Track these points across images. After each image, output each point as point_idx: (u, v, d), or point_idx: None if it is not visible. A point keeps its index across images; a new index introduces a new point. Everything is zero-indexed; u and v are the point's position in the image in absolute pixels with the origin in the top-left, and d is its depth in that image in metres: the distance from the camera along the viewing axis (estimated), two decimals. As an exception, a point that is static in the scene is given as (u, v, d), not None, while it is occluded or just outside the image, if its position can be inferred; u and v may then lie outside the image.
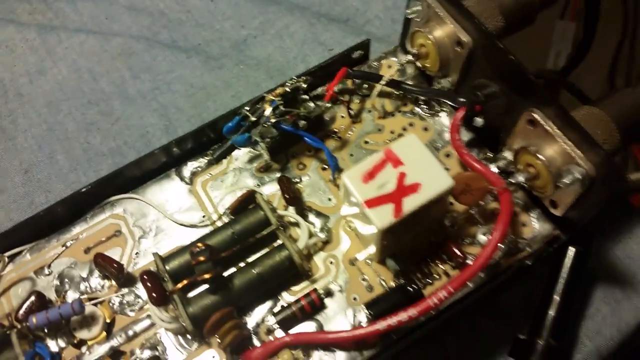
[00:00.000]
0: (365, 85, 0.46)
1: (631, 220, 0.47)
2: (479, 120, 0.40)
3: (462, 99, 0.41)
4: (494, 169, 0.41)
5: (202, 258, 0.35)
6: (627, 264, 0.46)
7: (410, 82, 0.45)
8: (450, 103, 0.43)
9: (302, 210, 0.41)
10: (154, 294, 0.35)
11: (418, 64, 0.45)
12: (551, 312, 0.40)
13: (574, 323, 0.43)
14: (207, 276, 0.35)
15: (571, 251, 0.41)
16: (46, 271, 0.40)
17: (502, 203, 0.37)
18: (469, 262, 0.38)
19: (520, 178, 0.38)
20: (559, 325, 0.39)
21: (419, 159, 0.36)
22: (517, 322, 0.42)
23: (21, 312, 0.37)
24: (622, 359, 0.45)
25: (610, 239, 0.46)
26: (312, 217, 0.41)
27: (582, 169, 0.35)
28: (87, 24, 0.60)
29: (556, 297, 0.40)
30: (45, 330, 0.38)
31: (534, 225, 0.40)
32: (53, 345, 0.38)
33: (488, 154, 0.43)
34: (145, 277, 0.36)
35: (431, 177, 0.35)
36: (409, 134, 0.37)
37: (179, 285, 0.35)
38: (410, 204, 0.34)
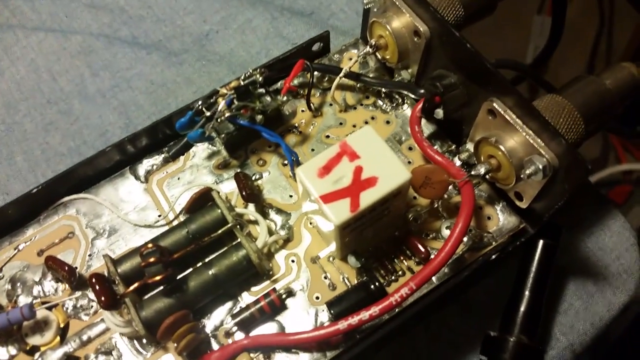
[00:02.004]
0: (326, 79, 0.44)
1: (602, 212, 0.47)
2: (439, 112, 0.39)
3: (421, 91, 0.40)
4: (457, 161, 0.40)
5: (152, 259, 0.34)
6: (599, 256, 0.45)
7: (371, 75, 0.44)
8: (410, 95, 0.42)
9: (263, 207, 0.40)
10: (103, 298, 0.34)
11: (378, 55, 0.44)
12: (521, 308, 0.39)
13: (547, 318, 0.43)
14: (158, 278, 0.34)
15: (540, 245, 0.40)
16: (-3, 275, 0.39)
17: (463, 195, 0.36)
18: (432, 257, 0.37)
19: (482, 170, 0.37)
20: (530, 321, 0.39)
21: (376, 151, 0.35)
22: (486, 318, 0.41)
23: (-32, 319, 0.36)
24: (596, 354, 0.44)
25: (582, 231, 0.46)
26: (273, 214, 0.40)
27: (544, 159, 0.34)
28: (46, 22, 0.58)
29: (526, 292, 0.39)
30: (-5, 337, 0.36)
31: (499, 218, 0.40)
32: (3, 352, 0.36)
33: (451, 146, 0.42)
34: (93, 280, 0.34)
35: (388, 171, 0.34)
36: (364, 126, 0.36)
37: (130, 289, 0.34)
38: (367, 198, 0.33)
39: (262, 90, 0.41)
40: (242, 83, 0.39)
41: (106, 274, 0.37)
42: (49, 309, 0.37)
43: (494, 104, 0.36)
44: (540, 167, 0.34)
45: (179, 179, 0.42)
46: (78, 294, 0.38)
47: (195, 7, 0.57)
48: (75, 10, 0.58)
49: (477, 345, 0.41)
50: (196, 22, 0.57)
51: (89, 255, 0.39)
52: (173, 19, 0.57)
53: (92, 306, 0.37)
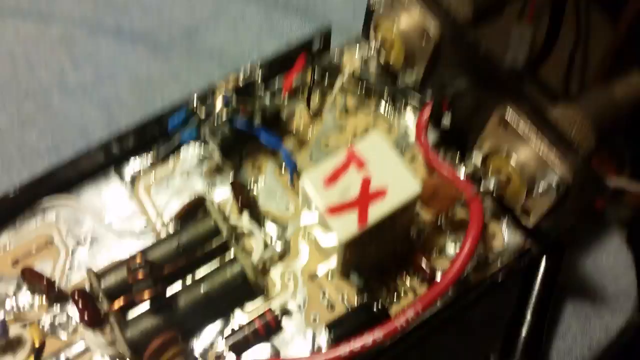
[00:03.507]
0: (326, 81, 0.42)
1: (601, 231, 0.45)
2: (446, 119, 0.37)
3: (428, 96, 0.38)
4: (462, 172, 0.38)
5: (140, 275, 0.31)
6: (597, 277, 0.43)
7: (373, 77, 0.42)
8: (415, 100, 0.40)
9: (258, 218, 0.38)
10: (85, 315, 0.31)
11: (382, 57, 0.41)
12: (523, 331, 0.37)
13: (546, 342, 0.41)
14: (146, 296, 0.31)
15: (543, 265, 0.38)
16: (-34, 287, 0.36)
17: (472, 212, 0.34)
18: (437, 276, 0.35)
19: (491, 185, 0.35)
20: (532, 344, 0.37)
21: (385, 161, 0.32)
22: (486, 340, 0.39)
23: None
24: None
25: (578, 250, 0.44)
26: (268, 226, 0.38)
27: (557, 175, 0.32)
28: (24, 8, 0.55)
29: (528, 316, 0.37)
30: (-38, 357, 0.33)
31: (504, 237, 0.38)
32: (-30, 374, 0.33)
33: (456, 155, 0.40)
34: (76, 296, 0.32)
35: (398, 182, 0.32)
36: (373, 132, 0.33)
37: (115, 306, 0.31)
38: (376, 212, 0.31)
39: (260, 88, 0.38)
40: (240, 80, 0.36)
41: (87, 288, 0.34)
42: (23, 325, 0.34)
43: (507, 112, 0.34)
44: (554, 183, 0.32)
45: (167, 185, 0.39)
46: (56, 309, 0.35)
47: (185, -2, 0.55)
48: (55, -4, 0.55)
49: (475, 369, 0.39)
50: (185, 13, 0.54)
51: (69, 268, 0.36)
52: (160, 9, 0.54)
53: (71, 323, 0.35)
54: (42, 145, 0.48)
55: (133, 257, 0.33)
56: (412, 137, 0.41)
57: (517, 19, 0.47)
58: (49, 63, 0.52)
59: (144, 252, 0.34)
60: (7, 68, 0.51)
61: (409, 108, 0.42)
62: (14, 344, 0.33)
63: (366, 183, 0.32)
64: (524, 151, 0.34)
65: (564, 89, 0.44)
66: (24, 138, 0.48)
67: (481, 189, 0.35)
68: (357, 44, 0.44)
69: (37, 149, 0.48)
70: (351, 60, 0.44)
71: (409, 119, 0.41)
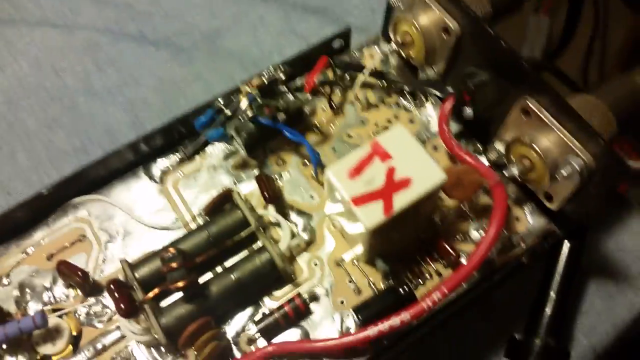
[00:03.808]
0: (347, 77, 0.43)
1: (623, 212, 0.46)
2: (467, 111, 0.38)
3: (449, 89, 0.39)
4: (484, 161, 0.39)
5: (174, 264, 0.32)
6: (620, 257, 0.44)
7: (394, 72, 0.43)
8: (437, 93, 0.41)
9: (283, 209, 0.39)
10: (122, 305, 0.32)
11: (402, 53, 0.42)
12: (548, 310, 0.38)
13: (570, 319, 0.42)
14: (180, 284, 0.32)
15: (566, 246, 0.39)
16: (5, 281, 0.37)
17: (495, 197, 0.34)
18: (462, 260, 0.36)
19: (514, 171, 0.36)
20: (556, 323, 0.38)
21: (409, 151, 0.33)
22: (510, 320, 0.40)
23: (-24, 327, 0.34)
24: (617, 355, 0.43)
25: (602, 231, 0.45)
26: (293, 216, 0.39)
27: (581, 160, 0.33)
28: (50, 18, 0.56)
29: (552, 294, 0.38)
30: (4, 347, 0.34)
31: (528, 220, 0.38)
32: (12, 362, 0.34)
33: (478, 146, 0.41)
34: (112, 286, 0.33)
35: (422, 171, 0.33)
36: (396, 126, 0.34)
37: (150, 295, 0.32)
38: (401, 200, 0.32)
39: (283, 88, 0.39)
40: (264, 81, 0.37)
41: (122, 279, 0.35)
42: (60, 316, 0.35)
43: (529, 103, 0.35)
44: (578, 168, 0.33)
45: (195, 179, 0.40)
46: (91, 300, 0.36)
47: (205, 3, 0.56)
48: (79, 6, 0.57)
49: (501, 348, 0.40)
50: (206, 18, 0.55)
51: (103, 259, 0.37)
52: (182, 14, 0.56)
53: (106, 313, 0.36)
54: (69, 146, 0.49)
55: (166, 248, 0.34)
56: (433, 128, 0.42)
57: (534, 11, 0.48)
58: (75, 68, 0.53)
59: (175, 243, 0.35)
60: (34, 74, 0.53)
61: (429, 100, 0.43)
62: (54, 334, 0.35)
63: (391, 173, 0.33)
64: (547, 138, 0.35)
65: (584, 78, 0.45)
66: (51, 139, 0.49)
67: (506, 174, 0.35)
68: (378, 41, 0.45)
69: (65, 149, 0.49)
70: (372, 57, 0.45)
71: (430, 111, 0.42)
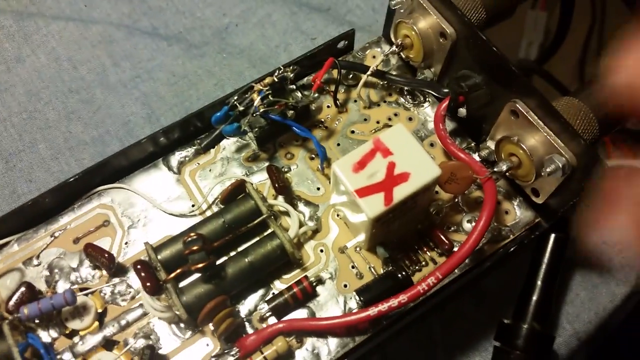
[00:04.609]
0: (351, 76, 0.46)
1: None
2: (462, 111, 0.41)
3: (445, 90, 0.42)
4: (476, 158, 0.42)
5: (195, 247, 0.36)
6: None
7: (394, 73, 0.46)
8: (434, 93, 0.44)
9: (291, 199, 0.42)
10: (148, 284, 0.35)
11: (402, 54, 0.45)
12: (534, 297, 0.41)
13: (555, 307, 0.45)
14: (200, 265, 0.35)
15: (552, 237, 0.42)
16: (35, 262, 0.40)
17: (486, 191, 0.38)
18: (455, 249, 0.40)
19: (503, 167, 0.39)
20: (542, 309, 0.41)
21: (407, 148, 0.37)
22: (500, 306, 0.44)
23: (11, 303, 0.37)
24: (599, 341, 0.47)
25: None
26: (301, 206, 0.42)
27: (564, 158, 0.36)
28: (65, 11, 0.59)
29: (539, 283, 0.41)
30: (37, 321, 0.38)
31: (517, 213, 0.42)
32: (45, 336, 0.38)
33: (471, 143, 0.44)
34: (138, 267, 0.36)
35: (419, 167, 0.36)
36: (396, 124, 0.38)
37: (173, 275, 0.36)
38: (400, 193, 0.35)
39: (292, 86, 0.42)
40: (275, 80, 0.40)
41: (146, 260, 0.38)
42: (87, 295, 0.39)
43: (518, 105, 0.38)
44: (560, 165, 0.36)
45: (210, 170, 0.43)
46: (116, 280, 0.39)
47: (215, 0, 0.58)
48: (94, 0, 0.59)
49: (491, 332, 0.43)
50: (216, 14, 0.58)
51: (125, 243, 0.41)
52: (193, 11, 0.58)
53: (129, 292, 0.39)
54: (87, 136, 0.52)
55: (187, 233, 0.37)
56: (430, 126, 0.45)
57: (531, 6, 0.50)
58: (91, 61, 0.56)
59: (194, 228, 0.39)
60: (52, 67, 0.55)
61: (427, 100, 0.46)
62: (81, 311, 0.38)
63: (391, 167, 0.36)
64: (534, 138, 0.38)
65: (580, 75, 0.47)
66: (70, 130, 0.52)
67: (496, 170, 0.39)
68: (379, 42, 0.48)
69: (83, 139, 0.52)
70: (374, 57, 0.48)
71: (428, 110, 0.45)
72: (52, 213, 0.42)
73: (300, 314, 0.38)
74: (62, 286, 0.39)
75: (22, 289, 0.38)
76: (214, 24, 0.58)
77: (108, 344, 0.38)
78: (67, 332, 0.38)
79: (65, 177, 0.43)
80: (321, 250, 0.40)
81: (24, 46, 0.57)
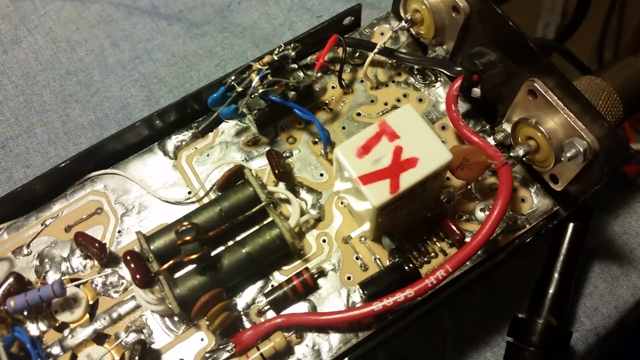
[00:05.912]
0: (357, 54, 0.44)
1: (629, 195, 0.46)
2: (476, 91, 0.39)
3: (458, 68, 0.39)
4: (491, 142, 0.39)
5: (188, 237, 0.34)
6: (624, 239, 0.45)
7: (403, 51, 0.44)
8: (446, 72, 0.41)
9: (293, 186, 0.40)
10: (138, 276, 0.33)
11: (412, 31, 0.43)
12: (551, 290, 0.39)
13: (572, 300, 0.42)
14: (194, 256, 0.33)
15: (571, 227, 0.40)
16: (25, 251, 0.38)
17: (501, 178, 0.35)
18: (467, 239, 0.37)
19: (520, 151, 0.36)
20: (559, 303, 0.38)
21: (416, 131, 0.34)
22: (514, 300, 0.41)
23: (-2, 294, 0.36)
24: (619, 336, 0.44)
25: (607, 213, 0.45)
26: (303, 193, 0.40)
27: (585, 142, 0.33)
28: (63, -10, 0.57)
29: (556, 275, 0.39)
30: (25, 314, 0.36)
31: (534, 201, 0.39)
32: (33, 328, 0.36)
33: (485, 126, 0.42)
34: (128, 257, 0.34)
35: (429, 151, 0.33)
36: (404, 105, 0.35)
37: (165, 266, 0.34)
38: (408, 179, 0.33)
39: (294, 65, 0.40)
40: (275, 58, 0.38)
41: (138, 250, 0.36)
42: (78, 286, 0.37)
43: (536, 84, 0.35)
44: (582, 149, 0.33)
45: (208, 155, 0.41)
46: (108, 271, 0.37)
47: (217, -23, 0.56)
48: (93, -22, 0.57)
49: (503, 326, 0.41)
50: (217, -8, 0.56)
51: (119, 231, 0.39)
52: (194, -11, 0.56)
53: (122, 283, 0.37)
54: (85, 120, 0.50)
55: (180, 221, 0.35)
56: (442, 107, 0.42)
57: None
58: (89, 42, 0.54)
59: (188, 217, 0.37)
60: (49, 48, 0.54)
61: (439, 80, 0.43)
62: (71, 302, 0.36)
63: (398, 152, 0.34)
64: (553, 120, 0.35)
65: (599, 59, 0.45)
66: (68, 113, 0.50)
67: (512, 155, 0.36)
68: (388, 18, 0.46)
69: (81, 123, 0.50)
70: (382, 34, 0.45)
71: (440, 90, 0.43)
72: (43, 200, 0.40)
73: (301, 307, 0.36)
74: (52, 277, 0.38)
75: (10, 279, 0.36)
76: (216, 2, 0.55)
77: (99, 338, 0.36)
78: (57, 324, 0.36)
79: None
80: (324, 240, 0.38)
81: (21, 27, 0.55)
